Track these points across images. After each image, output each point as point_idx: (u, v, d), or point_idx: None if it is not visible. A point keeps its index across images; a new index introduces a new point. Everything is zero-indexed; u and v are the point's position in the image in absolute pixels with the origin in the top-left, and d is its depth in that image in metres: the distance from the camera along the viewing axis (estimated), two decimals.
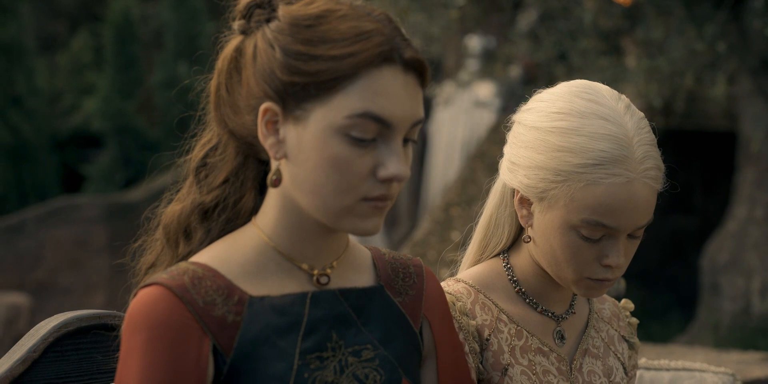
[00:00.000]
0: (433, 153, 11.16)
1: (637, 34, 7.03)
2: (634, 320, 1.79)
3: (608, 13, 7.04)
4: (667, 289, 9.78)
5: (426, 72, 1.36)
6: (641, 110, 1.62)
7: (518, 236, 1.70)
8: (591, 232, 1.55)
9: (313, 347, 1.37)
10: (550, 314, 1.67)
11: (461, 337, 1.58)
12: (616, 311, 1.78)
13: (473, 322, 1.61)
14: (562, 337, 1.67)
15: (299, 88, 1.32)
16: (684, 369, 2.16)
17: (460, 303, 1.62)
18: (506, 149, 1.66)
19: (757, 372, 4.07)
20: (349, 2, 1.36)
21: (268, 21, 1.36)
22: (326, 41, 1.32)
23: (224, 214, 1.43)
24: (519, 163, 1.60)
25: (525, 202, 1.62)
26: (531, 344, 1.64)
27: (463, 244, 1.77)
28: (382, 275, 1.48)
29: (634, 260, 1.66)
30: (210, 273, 1.37)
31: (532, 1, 7.71)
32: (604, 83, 1.64)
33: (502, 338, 1.62)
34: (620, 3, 7.12)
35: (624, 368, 1.74)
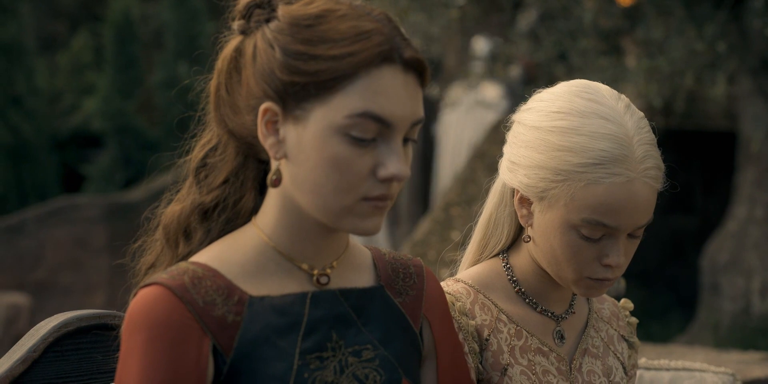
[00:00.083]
0: (441, 155, 11.17)
1: (637, 34, 7.02)
2: (634, 320, 1.79)
3: (608, 13, 7.04)
4: (667, 289, 9.77)
5: (426, 72, 1.36)
6: (641, 110, 1.62)
7: (518, 236, 1.70)
8: (591, 231, 1.55)
9: (313, 347, 1.37)
10: (549, 314, 1.67)
11: (461, 337, 1.58)
12: (616, 311, 1.78)
13: (472, 322, 1.61)
14: (561, 337, 1.67)
15: (299, 88, 1.32)
16: (684, 369, 2.15)
17: (460, 303, 1.62)
18: (506, 149, 1.66)
19: (757, 372, 4.07)
20: (348, 2, 1.36)
21: (267, 21, 1.36)
22: (326, 41, 1.32)
23: (224, 215, 1.43)
24: (519, 162, 1.60)
25: (525, 201, 1.62)
26: (530, 344, 1.63)
27: (463, 244, 1.77)
28: (383, 275, 1.48)
29: (634, 260, 1.66)
30: (210, 273, 1.37)
31: (532, 1, 7.70)
32: (604, 83, 1.64)
33: (501, 338, 1.62)
34: (620, 3, 7.13)
35: (624, 368, 1.74)
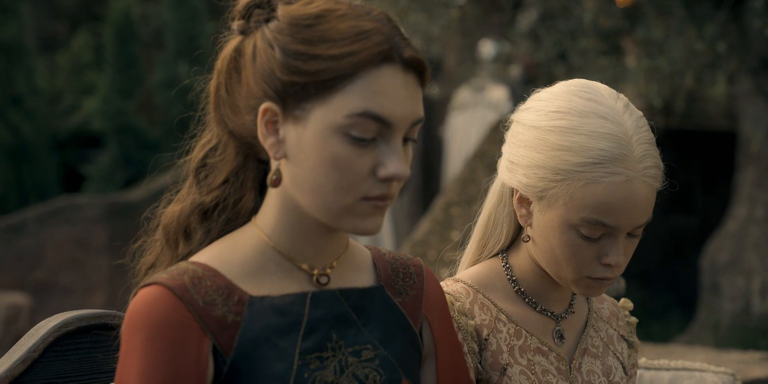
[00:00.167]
0: (448, 157, 11.19)
1: (637, 34, 7.02)
2: (633, 319, 1.79)
3: (608, 12, 7.04)
4: (667, 288, 9.77)
5: (425, 71, 1.36)
6: (641, 110, 1.62)
7: (517, 236, 1.70)
8: (590, 231, 1.55)
9: (313, 347, 1.37)
10: (549, 314, 1.67)
11: (460, 336, 1.58)
12: (615, 311, 1.78)
13: (472, 322, 1.60)
14: (561, 337, 1.67)
15: (299, 88, 1.32)
16: (684, 369, 2.15)
17: (459, 303, 1.61)
18: (505, 149, 1.66)
19: (757, 372, 4.07)
20: (348, 2, 1.36)
21: (267, 21, 1.36)
22: (325, 41, 1.32)
23: (224, 215, 1.43)
24: (518, 162, 1.60)
25: (524, 201, 1.61)
26: (530, 344, 1.63)
27: (462, 244, 1.77)
28: (382, 275, 1.48)
29: (634, 260, 1.66)
30: (210, 273, 1.37)
31: (532, 1, 7.71)
32: (604, 83, 1.64)
33: (500, 338, 1.62)
34: (620, 3, 7.13)
35: (623, 368, 1.74)
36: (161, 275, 1.36)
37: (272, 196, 1.40)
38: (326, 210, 1.34)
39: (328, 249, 1.42)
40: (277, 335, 1.36)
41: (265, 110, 1.35)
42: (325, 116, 1.32)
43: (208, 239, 1.43)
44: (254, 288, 1.38)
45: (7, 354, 1.59)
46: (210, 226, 1.43)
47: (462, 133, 10.79)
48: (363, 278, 1.46)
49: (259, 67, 1.35)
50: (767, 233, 7.58)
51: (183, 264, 1.38)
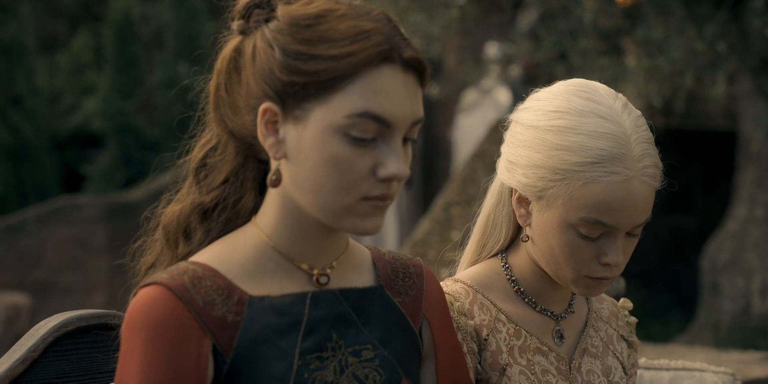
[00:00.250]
0: (457, 159, 11.23)
1: (637, 34, 7.02)
2: (633, 319, 1.79)
3: (608, 12, 7.04)
4: (667, 288, 9.77)
5: (425, 71, 1.36)
6: (641, 110, 1.62)
7: (516, 236, 1.70)
8: (589, 230, 1.55)
9: (313, 347, 1.37)
10: (549, 313, 1.67)
11: (459, 337, 1.58)
12: (615, 310, 1.78)
13: (471, 322, 1.60)
14: (561, 337, 1.67)
15: (299, 88, 1.32)
16: (684, 368, 2.15)
17: (458, 303, 1.61)
18: (504, 149, 1.66)
19: (757, 372, 4.07)
20: (348, 2, 1.36)
21: (267, 21, 1.36)
22: (325, 41, 1.32)
23: (224, 214, 1.43)
24: (517, 162, 1.60)
25: (523, 201, 1.62)
26: (530, 344, 1.63)
27: (462, 244, 1.77)
28: (382, 275, 1.48)
29: (634, 260, 1.66)
30: (210, 273, 1.37)
31: (532, 1, 7.71)
32: (604, 83, 1.64)
33: (500, 338, 1.62)
34: (620, 4, 7.13)
35: (623, 367, 1.73)
36: (161, 275, 1.36)
37: (272, 196, 1.40)
38: (326, 210, 1.34)
39: (328, 249, 1.42)
40: (277, 335, 1.36)
41: (265, 110, 1.35)
42: (325, 116, 1.32)
43: (208, 239, 1.43)
44: (254, 288, 1.38)
45: (7, 354, 1.59)
46: (210, 226, 1.43)
47: (469, 135, 10.84)
48: (363, 278, 1.46)
49: (258, 67, 1.35)
50: (767, 233, 7.58)
51: (183, 264, 1.38)
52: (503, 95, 9.88)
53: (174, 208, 1.45)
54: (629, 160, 1.53)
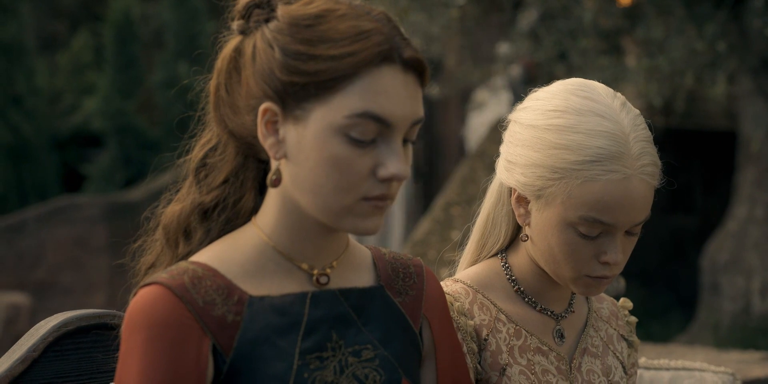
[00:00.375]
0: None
1: (637, 34, 7.03)
2: (633, 319, 1.79)
3: (608, 12, 7.04)
4: (667, 288, 9.78)
5: (425, 71, 1.36)
6: (641, 110, 1.62)
7: (516, 235, 1.70)
8: (588, 229, 1.55)
9: (313, 347, 1.37)
10: (549, 313, 1.67)
11: (459, 337, 1.58)
12: (615, 310, 1.78)
13: (471, 322, 1.60)
14: (561, 336, 1.67)
15: (299, 88, 1.32)
16: (684, 368, 2.15)
17: (458, 303, 1.61)
18: (503, 148, 1.66)
19: (757, 371, 4.07)
20: (348, 2, 1.36)
21: (267, 21, 1.36)
22: (325, 41, 1.32)
23: (224, 214, 1.43)
24: (516, 161, 1.60)
25: (522, 200, 1.62)
26: (530, 344, 1.63)
27: (461, 244, 1.77)
28: (383, 275, 1.48)
29: (634, 260, 1.66)
30: (210, 273, 1.36)
31: (533, 1, 7.71)
32: (604, 83, 1.64)
33: (500, 338, 1.62)
34: (620, 3, 7.13)
35: (623, 367, 1.73)
36: (161, 275, 1.36)
37: (272, 196, 1.40)
38: (326, 210, 1.34)
39: (328, 249, 1.42)
40: (277, 335, 1.36)
41: (265, 110, 1.34)
42: (325, 116, 1.32)
43: (208, 239, 1.42)
44: (254, 288, 1.38)
45: (7, 354, 1.59)
46: (210, 225, 1.43)
47: (480, 134, 10.88)
48: (363, 278, 1.46)
49: (258, 67, 1.35)
50: (767, 233, 7.58)
51: (183, 264, 1.38)
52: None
53: (174, 208, 1.45)
54: (628, 158, 1.53)
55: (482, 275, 1.67)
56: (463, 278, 1.67)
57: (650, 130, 1.59)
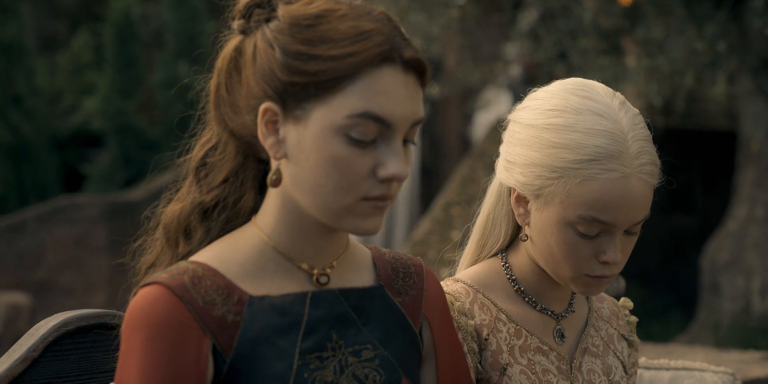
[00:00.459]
0: None
1: (637, 34, 7.03)
2: (633, 318, 1.79)
3: (608, 12, 7.04)
4: (667, 288, 9.78)
5: (426, 72, 1.36)
6: (641, 109, 1.62)
7: (516, 235, 1.70)
8: (587, 228, 1.55)
9: (313, 347, 1.37)
10: (549, 313, 1.67)
11: (460, 336, 1.58)
12: (615, 310, 1.78)
13: (471, 322, 1.60)
14: (562, 336, 1.67)
15: (299, 88, 1.32)
16: (684, 368, 2.15)
17: (459, 303, 1.61)
18: (502, 148, 1.66)
19: (757, 371, 4.07)
20: (348, 2, 1.36)
21: (267, 21, 1.36)
22: (326, 41, 1.32)
23: (224, 214, 1.43)
24: (515, 161, 1.60)
25: (521, 200, 1.62)
26: (530, 343, 1.63)
27: (461, 244, 1.77)
28: (383, 275, 1.48)
29: (634, 260, 1.66)
30: (210, 272, 1.37)
31: (533, 1, 7.71)
32: (604, 83, 1.64)
33: (500, 338, 1.62)
34: (621, 3, 7.13)
35: (624, 367, 1.74)
36: (161, 275, 1.36)
37: (272, 195, 1.40)
38: (326, 210, 1.34)
39: (328, 249, 1.42)
40: (277, 335, 1.36)
41: (266, 110, 1.35)
42: (325, 116, 1.32)
43: (208, 238, 1.42)
44: (254, 288, 1.38)
45: (7, 353, 1.59)
46: (210, 225, 1.43)
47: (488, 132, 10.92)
48: (363, 278, 1.46)
49: (259, 66, 1.35)
50: (767, 233, 7.58)
51: (183, 263, 1.38)
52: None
53: (174, 208, 1.45)
54: (626, 157, 1.53)
55: (482, 275, 1.67)
56: (463, 278, 1.67)
57: (649, 129, 1.59)
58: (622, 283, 2.20)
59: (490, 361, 1.60)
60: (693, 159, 9.83)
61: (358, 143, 1.31)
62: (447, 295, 1.61)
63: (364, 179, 1.33)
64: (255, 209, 1.43)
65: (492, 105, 9.58)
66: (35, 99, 14.96)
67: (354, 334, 1.40)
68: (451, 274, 1.74)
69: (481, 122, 11.18)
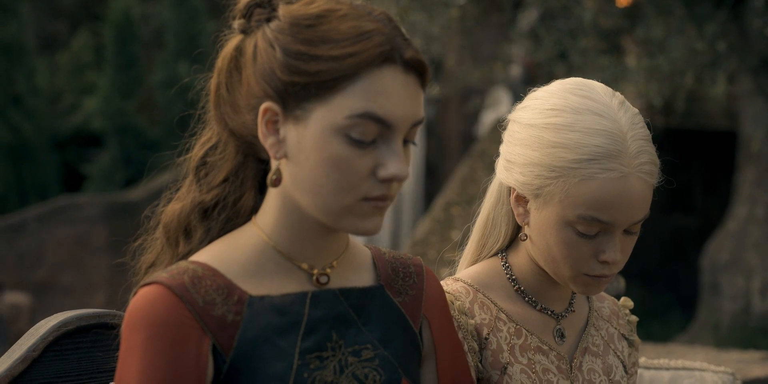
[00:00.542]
0: None
1: (637, 34, 7.03)
2: (634, 318, 1.79)
3: (608, 12, 7.04)
4: (667, 288, 9.78)
5: (426, 72, 1.36)
6: (641, 109, 1.63)
7: (516, 235, 1.70)
8: (587, 227, 1.55)
9: (313, 347, 1.37)
10: (549, 312, 1.67)
11: (460, 335, 1.58)
12: (616, 309, 1.78)
13: (472, 322, 1.61)
14: (562, 336, 1.67)
15: (300, 88, 1.32)
16: (684, 368, 2.15)
17: (459, 302, 1.62)
18: (502, 148, 1.66)
19: (757, 371, 4.07)
20: (349, 2, 1.36)
21: (268, 20, 1.36)
22: (327, 41, 1.32)
23: (224, 213, 1.43)
24: (514, 160, 1.60)
25: (521, 199, 1.62)
26: (530, 343, 1.64)
27: (461, 244, 1.77)
28: (382, 275, 1.48)
29: (634, 260, 1.66)
30: (210, 272, 1.36)
31: (533, 1, 7.71)
32: (604, 82, 1.64)
33: (501, 337, 1.62)
34: (619, 4, 7.13)
35: (624, 366, 1.74)
36: (161, 274, 1.36)
37: (272, 195, 1.40)
38: (326, 210, 1.34)
39: (328, 249, 1.42)
40: (276, 335, 1.36)
41: (266, 110, 1.35)
42: (325, 117, 1.32)
43: (209, 238, 1.42)
44: (254, 287, 1.38)
45: (7, 353, 1.59)
46: (210, 224, 1.43)
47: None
48: (363, 278, 1.46)
49: (259, 66, 1.35)
50: (767, 233, 7.58)
51: (183, 263, 1.38)
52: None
53: (174, 207, 1.45)
54: (625, 157, 1.53)
55: (482, 275, 1.68)
56: (463, 277, 1.67)
57: (649, 129, 1.59)
58: (622, 282, 2.20)
59: (490, 361, 1.60)
60: (693, 159, 9.83)
61: (359, 143, 1.31)
62: (447, 295, 1.61)
63: (364, 179, 1.33)
64: (255, 209, 1.43)
65: (498, 104, 9.60)
66: (35, 99, 14.96)
67: (354, 334, 1.40)
68: (451, 274, 1.74)
69: (488, 121, 11.20)
